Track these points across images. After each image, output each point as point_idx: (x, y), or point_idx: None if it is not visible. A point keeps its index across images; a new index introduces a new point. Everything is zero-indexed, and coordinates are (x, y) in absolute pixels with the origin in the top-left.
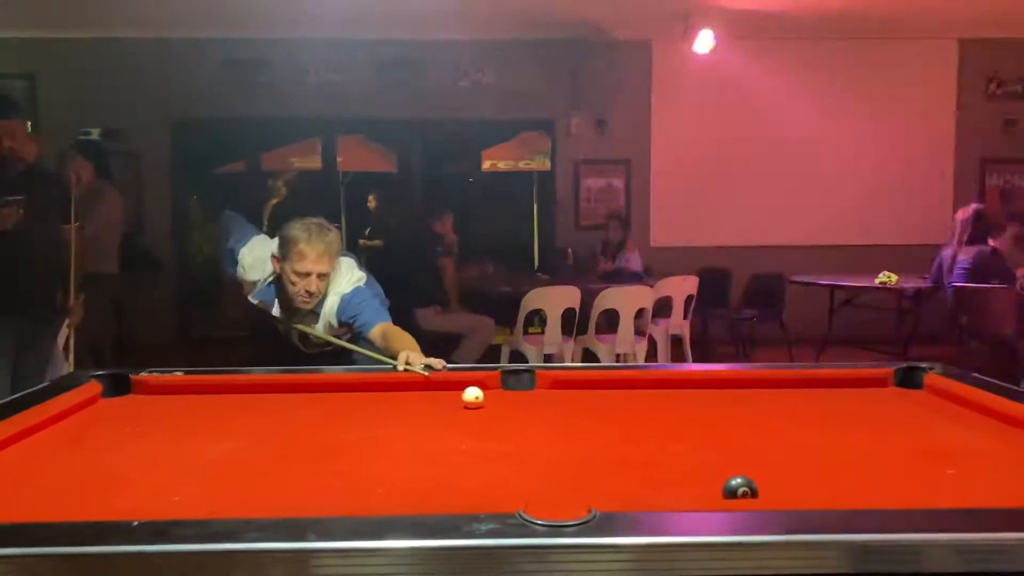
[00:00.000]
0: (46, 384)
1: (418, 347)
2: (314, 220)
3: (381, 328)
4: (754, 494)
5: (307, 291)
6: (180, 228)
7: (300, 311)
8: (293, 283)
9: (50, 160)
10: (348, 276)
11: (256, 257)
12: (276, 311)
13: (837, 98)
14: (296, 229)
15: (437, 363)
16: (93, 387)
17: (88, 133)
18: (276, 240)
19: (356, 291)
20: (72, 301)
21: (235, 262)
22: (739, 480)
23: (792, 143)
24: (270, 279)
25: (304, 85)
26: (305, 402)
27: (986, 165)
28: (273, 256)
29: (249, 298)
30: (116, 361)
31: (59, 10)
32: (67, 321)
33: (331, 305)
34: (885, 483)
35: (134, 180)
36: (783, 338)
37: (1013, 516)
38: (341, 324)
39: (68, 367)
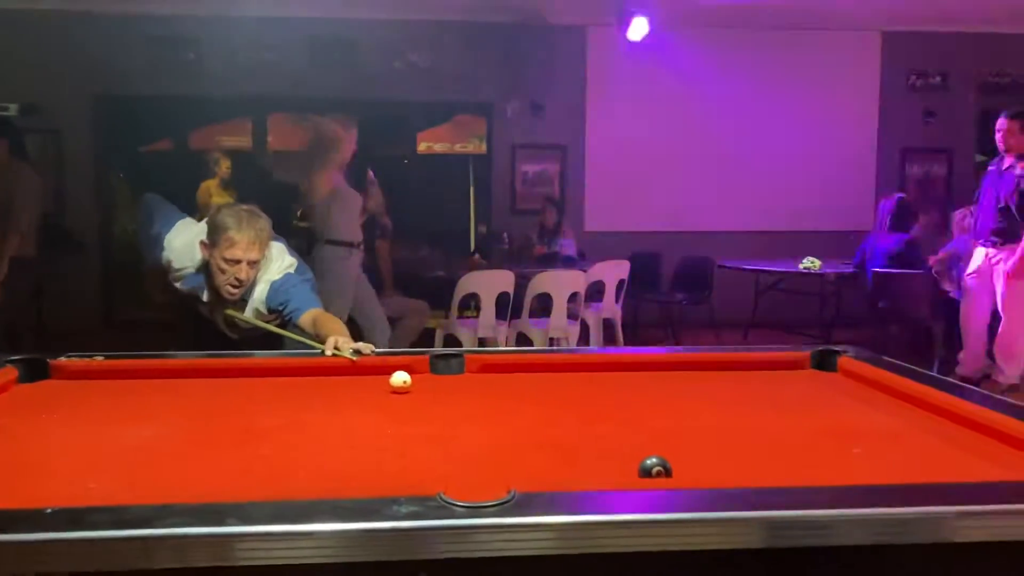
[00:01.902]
0: None
1: (347, 332)
2: (244, 207)
3: (311, 314)
4: (668, 473)
5: (236, 279)
6: (104, 208)
7: (224, 313)
8: (222, 271)
9: None
10: (278, 262)
11: (184, 242)
12: (205, 296)
13: (766, 87)
14: (226, 215)
15: (365, 348)
16: (8, 372)
17: (6, 109)
18: (203, 225)
19: (286, 277)
20: None
21: (161, 248)
22: (654, 460)
23: (722, 131)
24: (198, 266)
25: (234, 63)
26: (228, 387)
27: (907, 154)
28: (202, 243)
29: (177, 285)
30: (37, 346)
31: None
32: None
33: (260, 292)
34: (795, 462)
35: (55, 158)
36: (711, 321)
37: (909, 492)
38: (271, 311)
39: None
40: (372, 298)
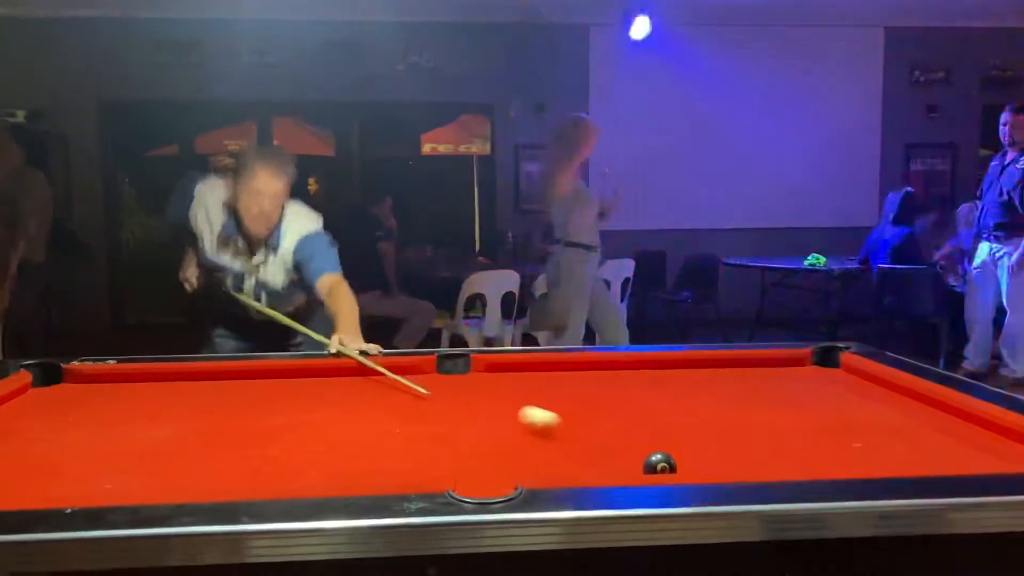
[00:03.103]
0: None
1: (357, 313)
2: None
3: (331, 279)
4: (672, 469)
5: (260, 211)
6: (111, 212)
7: (254, 266)
8: (247, 207)
9: None
10: (307, 219)
11: (216, 196)
12: (232, 265)
13: (769, 84)
14: (251, 150)
15: (372, 348)
16: (23, 377)
17: (13, 115)
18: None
19: (317, 234)
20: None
21: (191, 199)
22: (659, 456)
23: (726, 128)
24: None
25: (239, 67)
26: (238, 389)
27: (911, 150)
28: (230, 177)
29: (206, 254)
30: (46, 350)
31: None
32: None
33: (289, 243)
34: (797, 456)
35: (62, 163)
36: (717, 319)
37: (909, 485)
38: (296, 265)
39: None
40: (606, 302)
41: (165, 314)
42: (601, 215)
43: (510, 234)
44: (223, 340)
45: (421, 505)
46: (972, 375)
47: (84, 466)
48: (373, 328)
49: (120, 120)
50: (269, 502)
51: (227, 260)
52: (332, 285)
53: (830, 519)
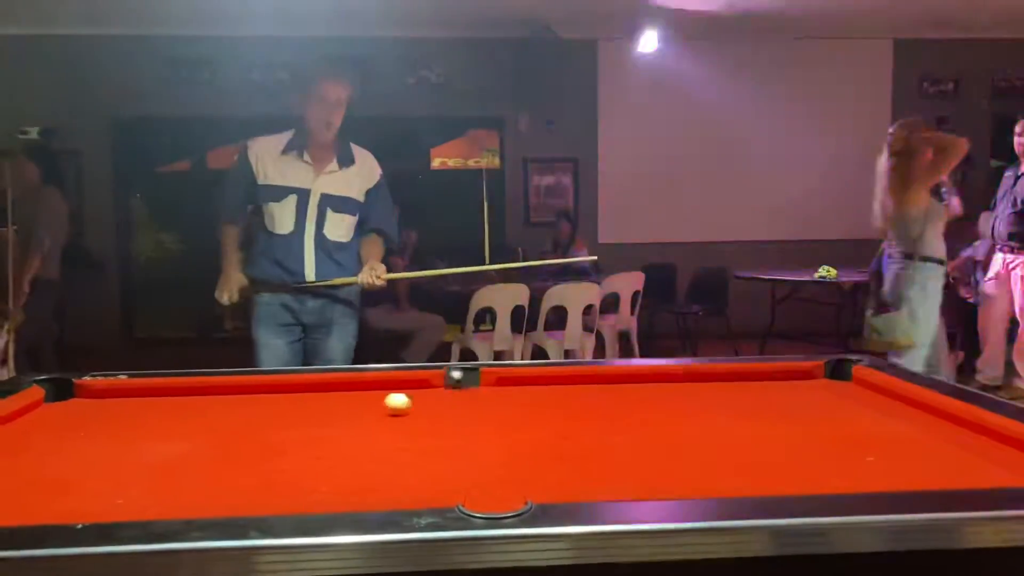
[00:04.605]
0: None
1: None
2: None
3: (374, 238)
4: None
5: (327, 122)
6: (123, 228)
7: (325, 176)
8: (314, 113)
9: None
10: (375, 162)
11: (265, 146)
12: (297, 183)
13: (778, 97)
14: (314, 64)
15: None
16: (35, 392)
17: (26, 132)
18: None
19: (383, 187)
20: (11, 305)
21: (246, 149)
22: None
23: (735, 141)
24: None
25: (249, 83)
26: (248, 404)
27: None
28: (299, 101)
29: (268, 186)
30: (57, 364)
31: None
32: (6, 326)
33: (363, 169)
34: (809, 470)
35: (75, 180)
36: (727, 332)
37: (923, 498)
38: (366, 196)
39: (8, 372)
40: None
41: (175, 329)
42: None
43: (520, 249)
44: (272, 342)
45: (431, 520)
46: (985, 387)
47: (95, 481)
48: (383, 342)
49: (132, 136)
50: (279, 517)
51: (292, 178)
52: (370, 243)
53: (842, 534)
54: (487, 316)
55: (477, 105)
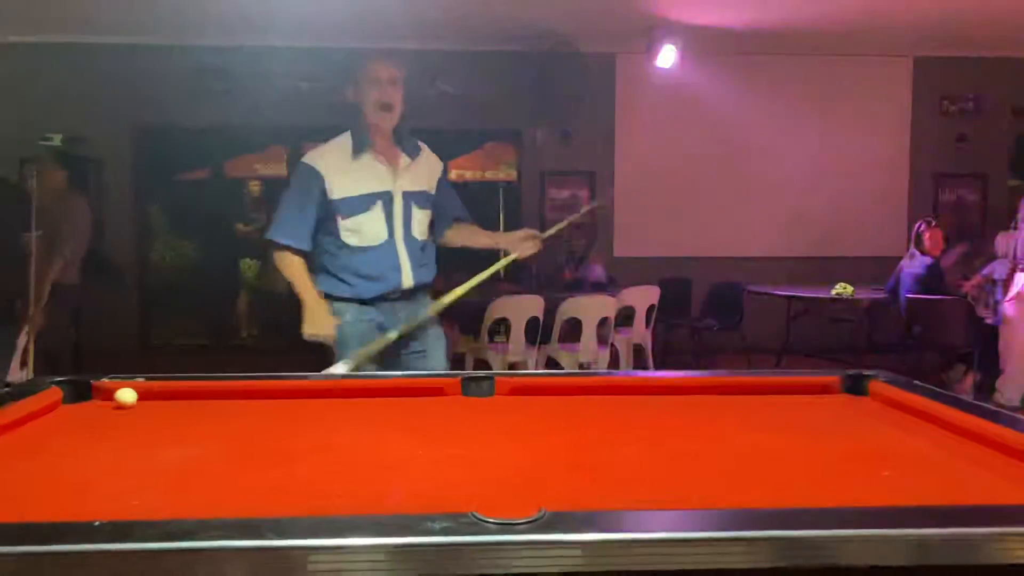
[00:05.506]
0: (6, 390)
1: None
2: None
3: (467, 225)
4: None
5: (384, 102)
6: (142, 235)
7: (401, 172)
8: (372, 102)
9: (10, 165)
10: (432, 152)
11: (329, 153)
12: (374, 187)
13: (796, 113)
14: (358, 54)
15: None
16: (53, 393)
17: (50, 139)
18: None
19: (446, 172)
20: (33, 309)
21: (317, 171)
22: None
23: (751, 157)
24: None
25: (268, 92)
26: (263, 408)
27: (939, 180)
28: (351, 92)
29: (347, 201)
30: (73, 369)
31: (21, 14)
32: (26, 328)
33: (430, 157)
34: (824, 483)
35: (95, 187)
36: (742, 347)
37: (939, 513)
38: (437, 188)
39: (28, 374)
40: None
41: (190, 336)
42: None
43: (533, 264)
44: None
45: (445, 525)
46: (1003, 408)
47: (111, 482)
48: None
49: (152, 144)
50: (293, 519)
51: (372, 183)
52: (456, 231)
53: (860, 546)
54: (501, 327)
55: (495, 118)
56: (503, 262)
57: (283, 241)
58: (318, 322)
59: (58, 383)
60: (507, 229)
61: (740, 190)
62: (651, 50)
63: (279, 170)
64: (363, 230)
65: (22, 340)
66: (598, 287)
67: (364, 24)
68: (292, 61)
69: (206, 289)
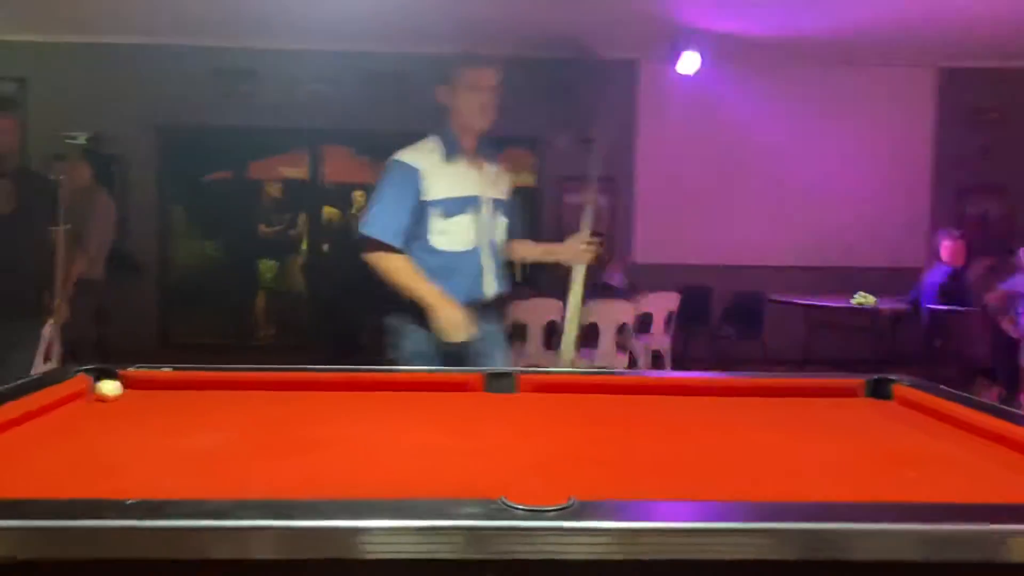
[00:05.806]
0: (36, 377)
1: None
2: None
3: (521, 243)
4: None
5: (480, 104)
6: (164, 234)
7: (489, 179)
8: (470, 104)
9: (39, 162)
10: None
11: (419, 154)
12: (472, 192)
13: (818, 122)
14: (457, 60)
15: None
16: (82, 380)
17: (75, 138)
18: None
19: (513, 198)
20: (58, 301)
21: (414, 170)
22: None
23: (773, 165)
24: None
25: (292, 95)
26: (287, 399)
27: (963, 191)
28: (441, 92)
29: (447, 204)
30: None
31: (50, 14)
32: (50, 320)
33: (507, 187)
34: (847, 483)
35: (120, 185)
36: (762, 356)
37: (964, 510)
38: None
39: (54, 365)
40: None
41: (210, 336)
42: None
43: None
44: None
45: (475, 510)
46: None
47: (141, 465)
48: None
49: (175, 144)
50: (324, 501)
51: (465, 186)
52: (517, 246)
53: (880, 540)
54: (519, 331)
55: (514, 124)
56: (580, 276)
57: (384, 239)
58: (453, 324)
59: (86, 370)
60: (525, 234)
61: (762, 198)
62: (673, 57)
63: (301, 173)
64: (454, 234)
65: (47, 332)
66: (617, 293)
67: (386, 30)
68: (314, 66)
69: (228, 290)
